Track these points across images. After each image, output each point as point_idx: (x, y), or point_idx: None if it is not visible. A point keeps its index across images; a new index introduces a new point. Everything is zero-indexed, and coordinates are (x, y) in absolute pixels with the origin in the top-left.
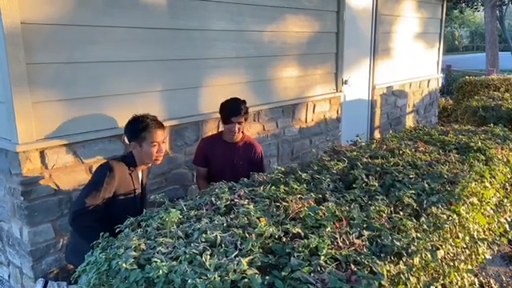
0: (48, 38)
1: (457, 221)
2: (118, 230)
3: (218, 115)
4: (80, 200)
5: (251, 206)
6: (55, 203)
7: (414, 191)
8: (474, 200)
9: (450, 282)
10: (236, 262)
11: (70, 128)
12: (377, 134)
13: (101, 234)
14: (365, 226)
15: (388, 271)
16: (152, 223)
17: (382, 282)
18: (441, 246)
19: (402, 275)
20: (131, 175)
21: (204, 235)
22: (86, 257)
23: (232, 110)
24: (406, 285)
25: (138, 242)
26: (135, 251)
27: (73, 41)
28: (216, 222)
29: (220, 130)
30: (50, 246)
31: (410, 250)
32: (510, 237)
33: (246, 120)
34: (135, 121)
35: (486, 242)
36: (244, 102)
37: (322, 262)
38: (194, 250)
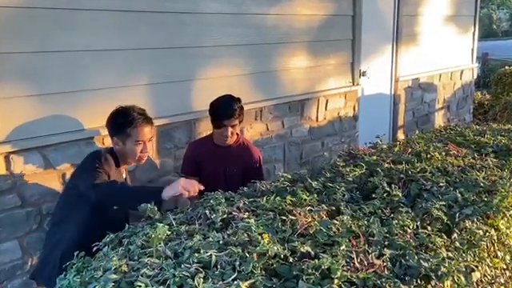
0: (14, 24)
1: (495, 237)
2: (95, 248)
3: None
4: (89, 178)
5: (252, 220)
6: (22, 217)
7: (444, 202)
8: None
9: None
10: (234, 287)
11: (39, 128)
12: (400, 135)
13: (75, 254)
14: (386, 243)
15: None
16: (135, 240)
17: None
18: (476, 266)
19: None
20: (116, 171)
21: (196, 254)
22: (58, 280)
23: (224, 112)
24: None
25: (119, 262)
26: (116, 273)
27: (44, 27)
28: (211, 239)
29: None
30: (16, 267)
31: (439, 272)
32: None
33: (241, 122)
34: (119, 113)
35: None
36: (238, 100)
37: (335, 286)
38: (184, 273)
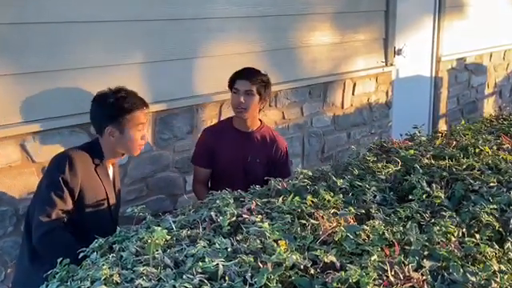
0: None
1: None
2: (81, 254)
3: (221, 97)
4: (43, 207)
5: (266, 225)
6: None
7: (495, 205)
8: None
9: None
10: None
11: (16, 114)
12: (442, 125)
13: (58, 261)
14: (426, 253)
15: None
16: (129, 246)
17: None
18: None
19: None
20: (96, 170)
21: (200, 264)
22: None
23: (240, 72)
24: None
25: (109, 271)
26: (106, 284)
27: None
28: (217, 245)
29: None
30: None
31: None
32: None
33: (260, 95)
34: (112, 98)
35: None
36: (265, 73)
37: None
38: (186, 284)
